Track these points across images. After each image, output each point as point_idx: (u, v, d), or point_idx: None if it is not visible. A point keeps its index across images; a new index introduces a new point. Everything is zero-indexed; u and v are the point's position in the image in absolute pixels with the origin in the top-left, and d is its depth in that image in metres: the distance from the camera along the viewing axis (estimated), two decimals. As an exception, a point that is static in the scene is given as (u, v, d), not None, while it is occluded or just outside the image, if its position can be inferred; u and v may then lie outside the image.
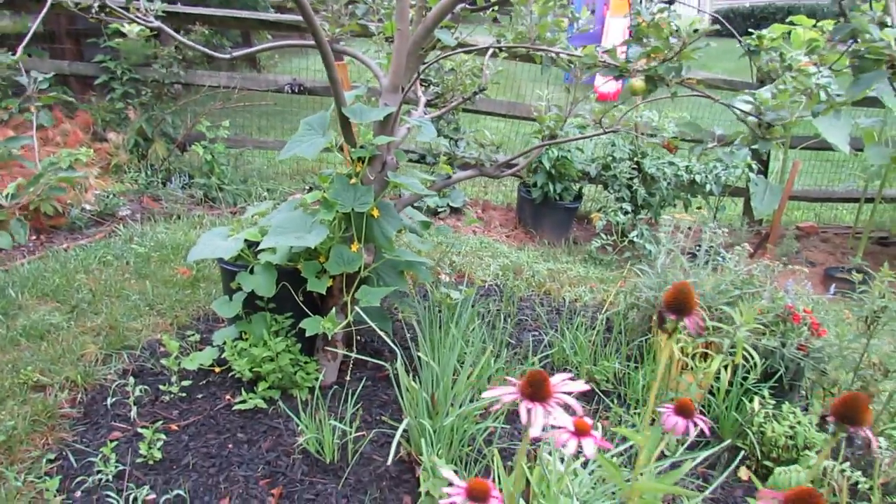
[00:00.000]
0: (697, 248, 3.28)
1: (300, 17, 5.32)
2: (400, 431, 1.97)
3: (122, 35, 4.81)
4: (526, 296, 3.95)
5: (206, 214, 4.49)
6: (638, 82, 2.10)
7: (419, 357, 2.43)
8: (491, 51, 3.38)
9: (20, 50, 2.06)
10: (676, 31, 2.00)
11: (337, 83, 2.40)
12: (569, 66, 2.73)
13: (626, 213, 4.97)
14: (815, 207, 6.78)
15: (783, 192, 5.20)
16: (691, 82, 2.17)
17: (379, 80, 2.59)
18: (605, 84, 3.01)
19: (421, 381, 2.29)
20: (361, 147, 2.50)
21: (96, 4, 2.31)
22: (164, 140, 4.83)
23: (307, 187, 5.13)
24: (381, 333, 2.34)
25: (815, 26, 3.43)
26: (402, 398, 2.24)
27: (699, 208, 5.41)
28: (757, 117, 2.29)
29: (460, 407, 2.14)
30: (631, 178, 5.04)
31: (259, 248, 2.50)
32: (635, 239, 4.88)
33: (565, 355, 3.08)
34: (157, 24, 2.47)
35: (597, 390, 2.95)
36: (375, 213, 2.51)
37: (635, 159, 5.09)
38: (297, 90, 4.92)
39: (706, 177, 5.01)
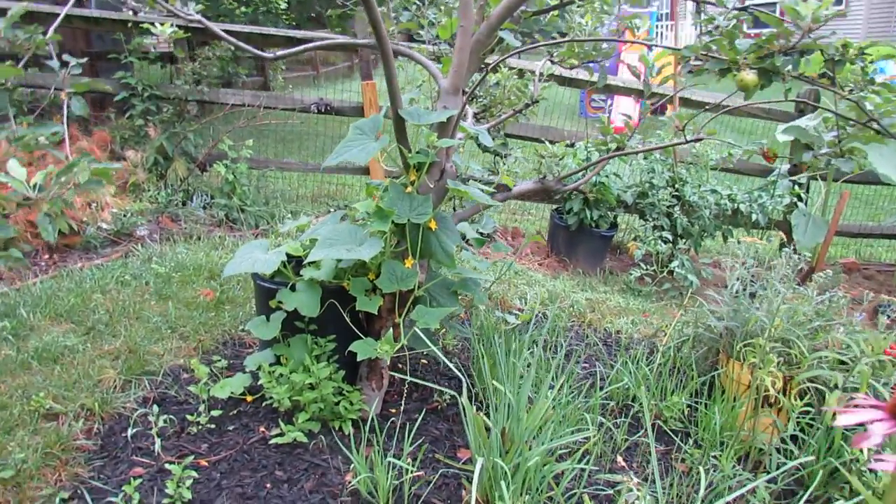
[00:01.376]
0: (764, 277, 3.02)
1: (329, 35, 5.15)
2: (478, 472, 1.69)
3: (144, 54, 4.66)
4: (568, 326, 3.69)
5: (227, 236, 4.25)
6: (749, 76, 1.87)
7: (471, 386, 2.16)
8: (542, 64, 3.18)
9: (52, 30, 1.85)
10: (797, 16, 1.78)
11: (394, 81, 2.18)
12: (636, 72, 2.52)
13: (666, 241, 4.73)
14: (853, 244, 6.54)
15: (830, 225, 4.96)
16: (810, 76, 1.94)
17: (437, 82, 2.37)
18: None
19: (488, 414, 2.02)
20: (419, 152, 2.27)
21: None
22: (184, 159, 4.61)
23: (332, 209, 4.90)
24: (446, 361, 2.08)
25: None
26: (469, 433, 1.96)
27: (739, 240, 5.17)
28: (866, 124, 2.06)
29: (541, 444, 1.86)
30: (671, 206, 4.81)
31: (306, 261, 2.24)
32: (676, 269, 4.62)
33: (626, 390, 2.80)
34: (197, 17, 2.26)
35: (666, 429, 2.66)
36: (433, 225, 2.26)
37: (676, 186, 4.86)
38: (323, 109, 4.72)
39: (751, 206, 4.78)
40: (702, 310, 3.04)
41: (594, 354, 3.23)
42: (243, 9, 8.63)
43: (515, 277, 4.44)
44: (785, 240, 5.24)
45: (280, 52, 2.36)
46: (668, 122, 2.41)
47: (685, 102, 5.04)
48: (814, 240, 5.15)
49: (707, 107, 2.89)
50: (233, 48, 4.52)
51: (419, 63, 2.42)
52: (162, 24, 2.47)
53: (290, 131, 5.76)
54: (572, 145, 5.06)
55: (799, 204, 4.81)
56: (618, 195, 4.90)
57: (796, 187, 4.85)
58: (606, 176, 4.80)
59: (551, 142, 5.31)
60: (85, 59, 2.20)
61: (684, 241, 4.93)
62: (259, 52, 2.28)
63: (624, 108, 9.95)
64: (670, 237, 4.76)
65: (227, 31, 4.59)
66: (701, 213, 4.78)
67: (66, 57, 2.06)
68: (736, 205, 4.81)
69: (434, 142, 2.14)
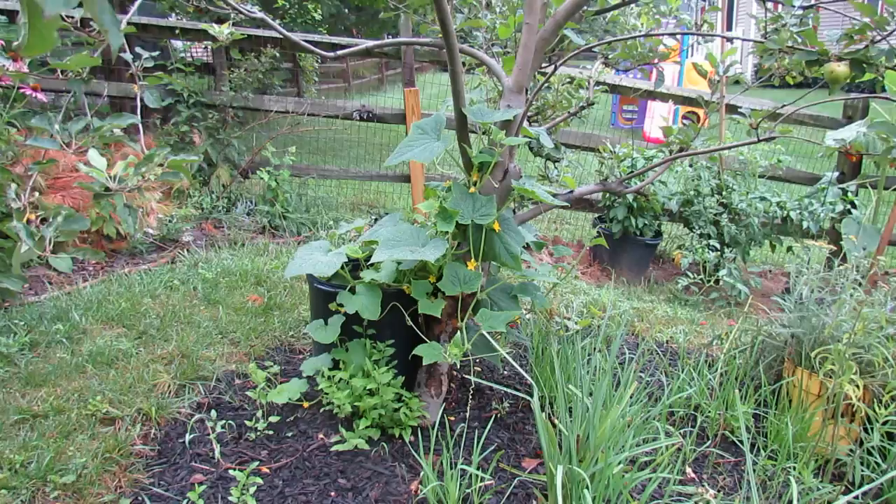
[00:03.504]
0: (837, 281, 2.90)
1: (372, 42, 5.15)
2: (560, 479, 1.61)
3: (185, 66, 4.67)
4: (616, 335, 3.59)
5: (271, 243, 4.22)
6: (841, 67, 1.79)
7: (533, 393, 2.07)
8: (596, 66, 3.12)
9: (124, 23, 1.83)
10: (893, 3, 1.70)
11: (459, 79, 2.13)
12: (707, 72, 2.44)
13: (714, 250, 4.62)
14: (901, 253, 6.35)
15: (884, 233, 4.81)
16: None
17: (501, 81, 2.32)
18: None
19: (558, 421, 1.94)
20: (482, 152, 2.21)
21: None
22: (227, 166, 4.61)
23: (374, 217, 4.87)
24: (515, 365, 2.00)
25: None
26: (543, 439, 1.88)
27: (789, 249, 5.03)
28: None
29: (618, 452, 1.78)
30: (718, 214, 4.70)
31: (369, 262, 2.19)
32: (725, 278, 4.51)
33: (688, 399, 2.70)
34: (260, 14, 2.23)
35: (733, 439, 2.56)
36: (497, 226, 2.20)
37: (723, 193, 4.75)
38: (365, 117, 4.70)
39: (802, 213, 4.65)
40: (765, 317, 2.94)
41: (651, 363, 3.14)
42: (279, 21, 8.71)
43: (560, 286, 4.36)
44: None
45: (341, 52, 2.32)
46: (709, 131, 2.31)
47: (731, 110, 4.94)
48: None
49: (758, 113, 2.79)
50: (276, 55, 4.52)
51: (482, 61, 2.36)
52: (219, 27, 2.44)
53: (329, 139, 5.74)
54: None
55: (853, 211, 4.66)
56: (663, 203, 4.81)
57: (849, 194, 4.71)
58: (652, 183, 4.71)
59: (590, 149, 5.25)
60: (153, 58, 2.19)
61: (731, 249, 4.82)
62: (322, 52, 2.25)
63: (659, 117, 9.82)
64: (717, 245, 4.65)
65: (273, 38, 4.61)
66: (749, 220, 4.67)
67: (138, 50, 2.05)
68: (786, 212, 4.69)
69: (502, 139, 2.08)
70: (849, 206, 4.68)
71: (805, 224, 4.63)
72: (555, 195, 2.38)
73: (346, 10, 11.52)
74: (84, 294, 3.16)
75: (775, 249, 5.02)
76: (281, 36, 2.44)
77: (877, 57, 1.74)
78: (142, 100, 1.97)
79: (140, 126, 1.91)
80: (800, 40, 1.87)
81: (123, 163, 1.69)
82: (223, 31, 2.59)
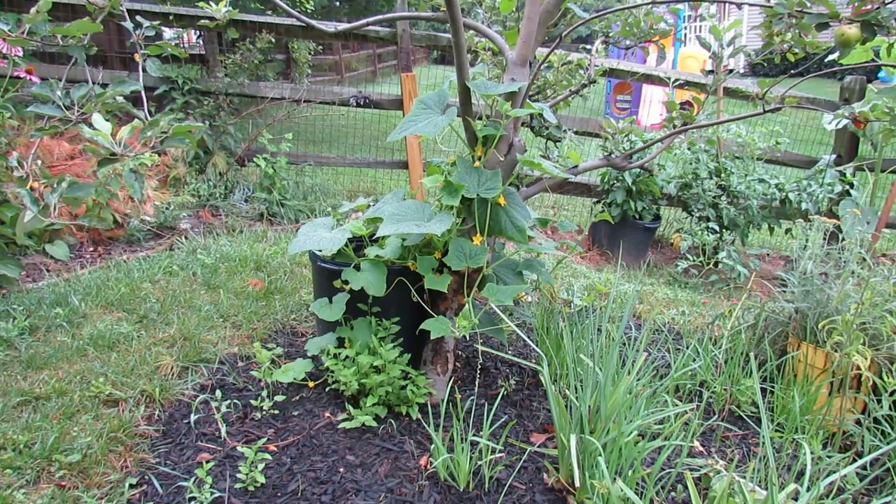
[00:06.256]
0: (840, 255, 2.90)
1: (370, 28, 5.11)
2: (574, 448, 1.60)
3: (176, 58, 4.63)
4: (618, 316, 3.58)
5: (269, 229, 4.19)
6: (851, 30, 1.77)
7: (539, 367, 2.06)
8: (597, 44, 3.10)
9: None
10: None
11: (463, 52, 2.11)
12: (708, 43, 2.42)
13: (713, 232, 4.62)
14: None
15: (881, 215, 4.82)
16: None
17: (504, 54, 2.29)
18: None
19: (564, 395, 1.92)
20: (487, 126, 2.19)
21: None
22: (224, 153, 4.57)
23: (374, 199, 4.84)
24: (524, 337, 1.99)
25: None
26: (554, 411, 1.87)
27: (787, 231, 5.04)
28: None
29: (629, 422, 1.77)
30: (717, 197, 4.69)
31: (375, 236, 2.17)
32: (724, 260, 4.50)
33: (694, 376, 2.70)
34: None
35: (741, 413, 2.56)
36: (502, 200, 2.18)
37: (721, 176, 4.75)
38: (362, 103, 4.66)
39: (801, 195, 4.65)
40: (768, 295, 2.94)
41: (655, 342, 3.13)
42: (270, 13, 8.65)
43: (559, 269, 4.35)
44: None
45: (342, 27, 2.30)
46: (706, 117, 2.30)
47: (729, 93, 4.94)
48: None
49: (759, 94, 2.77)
50: (272, 41, 4.48)
51: (485, 34, 2.34)
52: (217, 3, 2.41)
53: (326, 128, 5.70)
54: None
55: (851, 192, 4.66)
56: (661, 186, 4.80)
57: (847, 175, 4.71)
58: (655, 159, 4.69)
59: (588, 134, 5.23)
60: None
61: (730, 232, 4.81)
62: (323, 27, 2.22)
63: (656, 102, 9.80)
64: (716, 228, 4.65)
65: (267, 24, 4.57)
66: (748, 203, 4.66)
67: (139, 18, 2.02)
68: (784, 194, 4.68)
69: (507, 110, 2.06)
70: (847, 188, 4.68)
71: (804, 206, 4.63)
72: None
73: (338, 3, 11.46)
74: (83, 280, 3.13)
75: (773, 233, 5.02)
76: (274, 23, 2.40)
77: (888, 18, 1.72)
78: (144, 70, 1.94)
79: (143, 94, 1.88)
80: (809, 4, 1.85)
81: (129, 126, 1.66)
82: (220, 10, 2.55)
